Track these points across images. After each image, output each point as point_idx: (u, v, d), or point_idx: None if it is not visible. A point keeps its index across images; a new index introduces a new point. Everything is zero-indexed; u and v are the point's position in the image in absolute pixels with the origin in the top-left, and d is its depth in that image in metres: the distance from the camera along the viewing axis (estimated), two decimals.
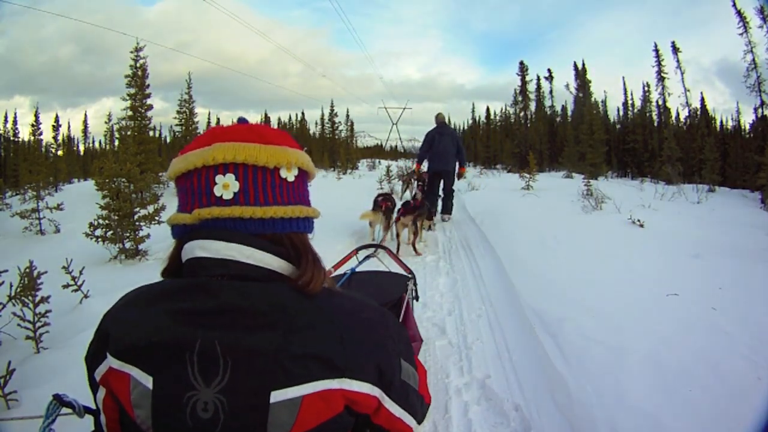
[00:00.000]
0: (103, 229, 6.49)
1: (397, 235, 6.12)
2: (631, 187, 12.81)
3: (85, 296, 4.03)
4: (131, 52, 14.62)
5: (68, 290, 3.96)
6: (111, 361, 0.75)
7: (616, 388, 2.34)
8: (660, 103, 25.56)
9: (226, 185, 0.77)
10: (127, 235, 6.49)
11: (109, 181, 6.62)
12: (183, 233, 0.81)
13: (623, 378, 2.41)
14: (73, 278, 3.95)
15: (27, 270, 3.35)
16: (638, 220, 6.63)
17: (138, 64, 14.37)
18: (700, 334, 2.77)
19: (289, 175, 0.82)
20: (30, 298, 3.24)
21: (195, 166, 0.78)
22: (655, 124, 25.66)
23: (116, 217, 6.57)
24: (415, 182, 9.58)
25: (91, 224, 6.48)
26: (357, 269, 2.76)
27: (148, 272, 4.04)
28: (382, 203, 6.50)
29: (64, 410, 0.80)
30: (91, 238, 6.44)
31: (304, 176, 0.88)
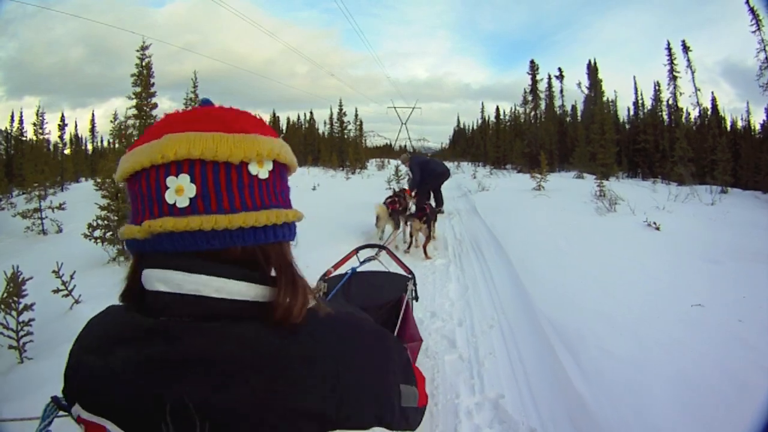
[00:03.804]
0: (102, 230, 6.34)
1: (410, 235, 6.25)
2: (644, 188, 12.55)
3: (76, 301, 3.86)
4: (137, 50, 14.35)
5: (60, 294, 3.79)
6: (80, 411, 0.64)
7: (639, 410, 2.17)
8: (671, 102, 25.25)
9: (180, 189, 0.60)
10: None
11: (109, 181, 6.45)
12: (138, 249, 0.65)
13: (647, 399, 2.24)
14: (64, 283, 3.77)
15: (12, 275, 3.17)
16: (654, 223, 6.45)
17: (144, 63, 14.25)
18: (727, 349, 2.61)
19: (261, 171, 0.65)
20: (14, 305, 3.05)
21: (142, 165, 0.61)
22: (666, 123, 25.21)
23: (116, 218, 6.42)
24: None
25: (90, 225, 6.33)
26: (357, 269, 2.73)
27: None
28: (390, 205, 6.52)
29: (62, 413, 0.74)
30: (90, 239, 6.29)
31: (281, 171, 0.70)
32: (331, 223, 7.08)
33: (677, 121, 24.80)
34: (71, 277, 3.82)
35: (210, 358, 0.58)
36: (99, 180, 6.70)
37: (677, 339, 2.79)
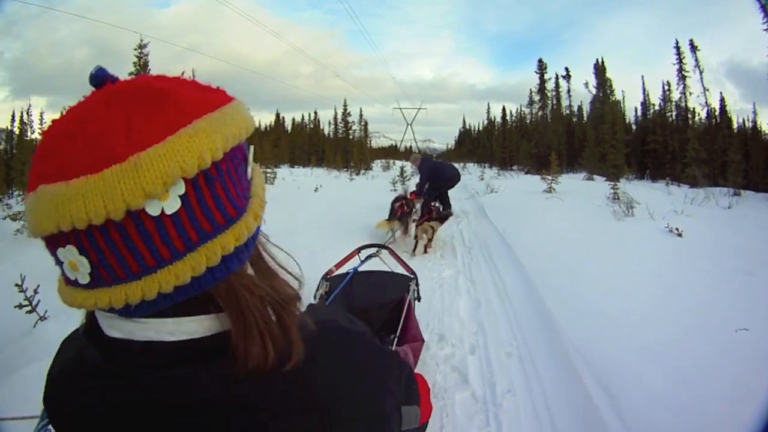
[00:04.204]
0: None
1: (416, 237, 6.07)
2: (657, 191, 12.02)
3: (42, 318, 3.46)
4: (135, 49, 14.33)
5: (24, 310, 3.41)
6: None
7: None
8: (681, 102, 24.61)
9: (73, 265, 0.46)
10: None
11: None
12: None
13: None
14: (27, 298, 3.38)
15: None
16: (676, 229, 6.08)
17: (141, 62, 14.06)
18: None
19: (167, 204, 0.43)
20: None
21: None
22: (674, 124, 24.54)
23: None
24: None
25: None
26: (359, 269, 2.72)
27: None
28: (399, 209, 6.40)
29: None
30: None
31: (207, 178, 0.47)
32: (332, 226, 6.74)
33: (687, 122, 24.11)
34: (35, 291, 3.43)
35: (176, 405, 0.49)
36: None
37: (731, 377, 2.41)
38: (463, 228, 7.68)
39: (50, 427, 0.62)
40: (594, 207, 8.60)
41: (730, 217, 7.95)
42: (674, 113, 24.87)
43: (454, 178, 8.88)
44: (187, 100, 0.48)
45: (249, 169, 0.54)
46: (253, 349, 0.49)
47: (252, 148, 0.56)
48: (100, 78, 0.49)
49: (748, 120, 22.98)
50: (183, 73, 0.53)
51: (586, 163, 20.51)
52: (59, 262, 0.47)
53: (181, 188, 0.44)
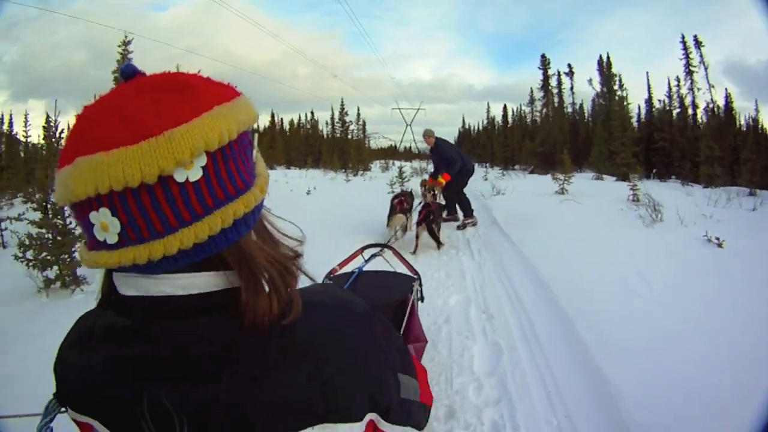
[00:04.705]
0: (35, 251, 5.08)
1: (417, 236, 5.91)
2: (674, 191, 11.12)
3: None
4: (119, 46, 14.16)
5: None
6: (69, 412, 0.65)
7: None
8: (687, 99, 24.10)
9: (104, 225, 0.52)
10: (54, 258, 5.05)
11: (41, 192, 5.32)
12: None
13: None
14: None
15: None
16: (716, 239, 5.29)
17: (125, 59, 13.36)
18: None
19: (191, 173, 0.52)
20: None
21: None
22: (683, 121, 24.05)
23: (49, 236, 5.18)
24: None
25: (21, 244, 5.10)
26: (363, 269, 2.73)
27: (79, 310, 2.80)
28: (398, 204, 6.24)
29: (64, 410, 0.69)
30: (22, 261, 5.03)
31: (223, 154, 0.55)
32: (319, 235, 5.83)
33: (696, 118, 23.60)
34: None
35: (185, 355, 0.56)
36: (30, 191, 5.48)
37: None
38: (471, 239, 6.62)
39: (52, 425, 0.70)
40: (615, 211, 7.68)
41: (760, 220, 7.20)
42: (677, 110, 24.51)
43: (471, 172, 8.02)
44: (206, 90, 0.57)
45: (254, 153, 0.62)
46: (260, 304, 0.56)
47: (257, 135, 0.64)
48: (129, 71, 0.57)
49: (749, 118, 23.11)
50: (199, 71, 0.60)
51: (594, 161, 19.46)
52: (88, 227, 0.54)
53: (203, 160, 0.52)
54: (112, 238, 0.52)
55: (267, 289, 0.57)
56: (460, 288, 4.41)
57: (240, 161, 0.57)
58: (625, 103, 23.90)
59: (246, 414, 0.54)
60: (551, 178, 11.44)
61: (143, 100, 0.52)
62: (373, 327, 0.68)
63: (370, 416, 0.63)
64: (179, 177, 0.51)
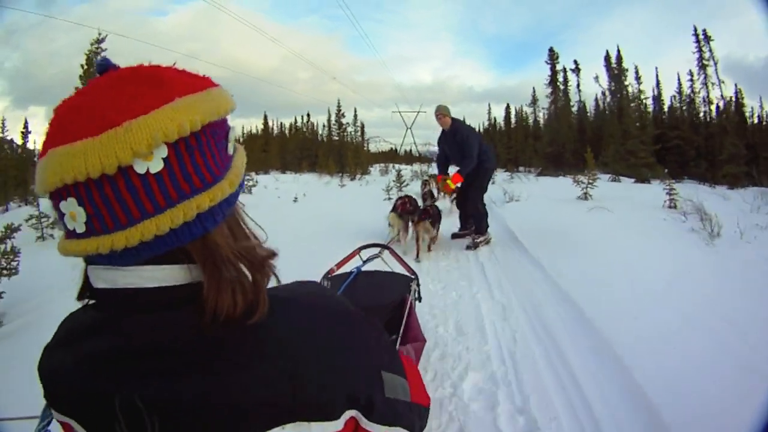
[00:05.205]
0: None
1: (417, 239, 5.49)
2: (709, 194, 9.60)
3: None
4: (91, 44, 13.08)
5: None
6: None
7: None
8: (701, 95, 23.08)
9: (73, 215, 0.54)
10: None
11: None
12: None
13: None
14: None
15: None
16: None
17: (99, 57, 12.37)
18: None
19: (152, 164, 0.53)
20: None
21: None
22: (697, 118, 23.08)
23: None
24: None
25: None
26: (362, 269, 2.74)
27: None
28: (401, 206, 5.83)
29: None
30: None
31: (187, 145, 0.55)
32: (296, 252, 4.39)
33: (712, 115, 22.52)
34: None
35: (153, 350, 0.56)
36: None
37: None
38: (484, 261, 5.04)
39: (50, 428, 0.75)
40: (659, 222, 6.28)
41: None
42: (683, 107, 23.56)
43: (493, 170, 6.43)
44: (174, 81, 0.56)
45: (230, 146, 0.61)
46: (223, 300, 0.55)
47: (234, 128, 0.63)
48: (104, 66, 0.58)
49: (765, 113, 22.03)
50: (174, 63, 0.60)
51: (610, 161, 17.94)
52: (61, 216, 0.55)
53: (164, 151, 0.52)
54: (80, 228, 0.53)
55: (232, 284, 0.56)
56: (478, 355, 2.85)
57: (208, 153, 0.56)
58: (642, 96, 22.46)
59: (212, 411, 0.54)
60: (572, 181, 9.95)
61: (112, 93, 0.54)
62: (352, 324, 0.67)
63: (350, 413, 0.62)
64: (139, 168, 0.51)
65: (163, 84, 0.55)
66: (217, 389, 0.53)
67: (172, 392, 0.53)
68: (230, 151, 0.60)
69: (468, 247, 5.67)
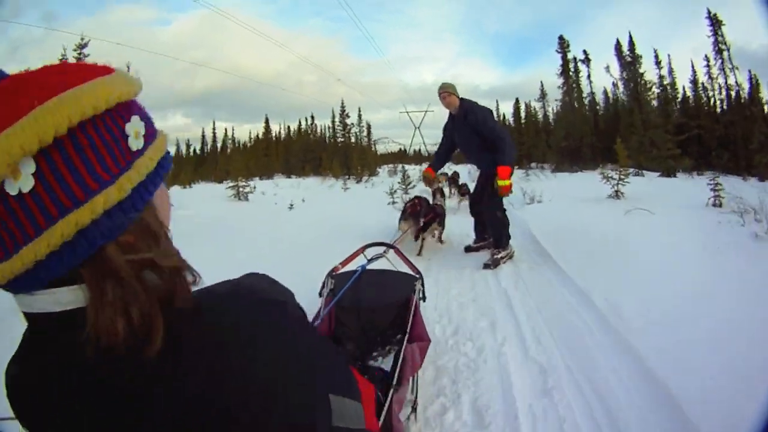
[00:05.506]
0: None
1: (422, 239, 5.26)
2: (742, 187, 8.69)
3: None
4: (74, 50, 13.48)
5: None
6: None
7: None
8: (714, 83, 21.84)
9: None
10: None
11: None
12: None
13: None
14: None
15: None
16: None
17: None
18: None
19: (22, 183, 0.47)
20: None
21: None
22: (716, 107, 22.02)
23: None
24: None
25: None
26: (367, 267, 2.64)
27: None
28: (411, 208, 5.50)
29: None
30: None
31: (64, 154, 0.49)
32: (288, 259, 3.76)
33: (730, 102, 21.25)
34: None
35: (65, 374, 0.52)
36: None
37: None
38: (508, 287, 3.86)
39: None
40: (713, 226, 5.22)
41: None
42: (702, 94, 22.31)
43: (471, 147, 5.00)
44: (41, 85, 0.49)
45: (130, 141, 0.53)
46: (101, 323, 0.48)
47: (143, 123, 0.56)
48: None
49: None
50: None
51: (633, 154, 16.71)
52: None
53: (31, 167, 0.46)
54: None
55: (114, 305, 0.49)
56: None
57: (93, 155, 0.49)
58: (664, 82, 21.23)
59: None
60: (600, 177, 8.80)
61: None
62: (296, 340, 0.59)
63: None
64: (11, 189, 0.46)
65: (25, 92, 0.48)
66: (108, 428, 0.49)
67: (80, 419, 0.50)
68: (134, 146, 0.53)
69: (486, 266, 4.48)
